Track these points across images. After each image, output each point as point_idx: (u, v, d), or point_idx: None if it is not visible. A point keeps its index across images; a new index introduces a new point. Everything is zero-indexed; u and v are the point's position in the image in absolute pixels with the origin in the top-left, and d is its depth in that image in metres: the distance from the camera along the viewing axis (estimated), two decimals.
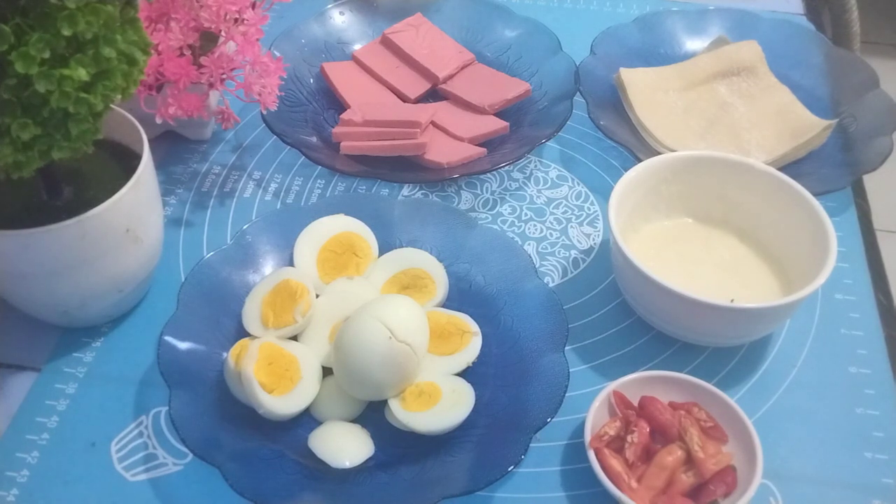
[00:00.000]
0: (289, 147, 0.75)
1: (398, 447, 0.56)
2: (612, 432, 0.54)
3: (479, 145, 0.76)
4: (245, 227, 0.65)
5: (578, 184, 0.77)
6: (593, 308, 0.66)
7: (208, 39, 0.68)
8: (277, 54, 0.77)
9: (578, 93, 0.78)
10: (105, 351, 0.62)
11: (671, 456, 0.53)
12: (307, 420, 0.57)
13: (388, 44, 0.86)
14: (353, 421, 0.57)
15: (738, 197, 0.67)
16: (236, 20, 0.68)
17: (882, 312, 0.66)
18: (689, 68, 0.84)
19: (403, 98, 0.82)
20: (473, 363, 0.59)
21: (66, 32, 0.45)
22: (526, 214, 0.74)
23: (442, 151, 0.74)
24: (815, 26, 0.95)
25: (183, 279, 0.62)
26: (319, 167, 0.76)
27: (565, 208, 0.74)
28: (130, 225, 0.57)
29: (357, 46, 0.87)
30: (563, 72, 0.81)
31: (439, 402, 0.55)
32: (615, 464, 0.53)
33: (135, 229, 0.57)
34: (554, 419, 0.53)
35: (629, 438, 0.54)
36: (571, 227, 0.73)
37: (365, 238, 0.65)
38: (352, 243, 0.64)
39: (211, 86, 0.69)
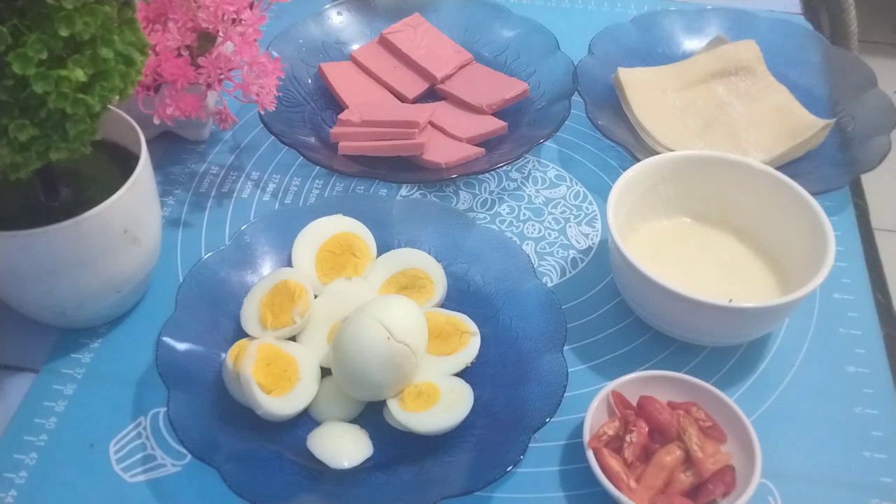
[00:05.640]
0: (287, 147, 0.75)
1: (397, 447, 0.55)
2: (610, 432, 0.54)
3: (478, 145, 0.76)
4: (243, 227, 0.65)
5: (577, 183, 0.77)
6: (592, 308, 0.66)
7: (206, 40, 0.68)
8: (275, 55, 0.77)
9: (576, 92, 0.78)
10: (103, 352, 0.62)
11: (670, 456, 0.53)
12: (306, 420, 0.57)
13: (385, 44, 0.86)
14: (352, 421, 0.57)
15: (736, 196, 0.67)
16: (234, 20, 0.68)
17: (880, 311, 0.66)
18: (687, 68, 0.84)
19: (401, 98, 0.82)
20: (472, 363, 0.59)
21: (64, 33, 0.45)
22: (524, 214, 0.74)
23: (440, 151, 0.74)
24: (813, 26, 0.95)
25: (181, 280, 0.62)
26: (317, 167, 0.76)
27: (563, 208, 0.74)
28: (128, 226, 0.57)
29: (355, 46, 0.87)
30: (561, 71, 0.81)
31: (438, 402, 0.55)
32: (614, 464, 0.53)
33: (133, 230, 0.57)
34: (553, 419, 0.53)
35: (628, 438, 0.54)
36: (570, 226, 0.73)
37: (363, 238, 0.65)
38: (350, 244, 0.64)
39: (209, 86, 0.69)
